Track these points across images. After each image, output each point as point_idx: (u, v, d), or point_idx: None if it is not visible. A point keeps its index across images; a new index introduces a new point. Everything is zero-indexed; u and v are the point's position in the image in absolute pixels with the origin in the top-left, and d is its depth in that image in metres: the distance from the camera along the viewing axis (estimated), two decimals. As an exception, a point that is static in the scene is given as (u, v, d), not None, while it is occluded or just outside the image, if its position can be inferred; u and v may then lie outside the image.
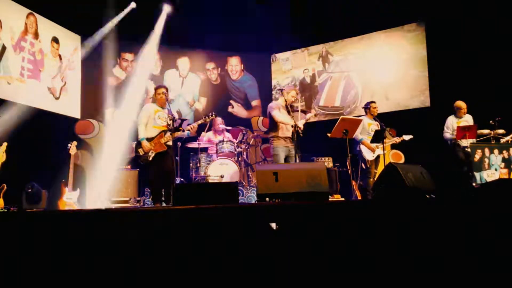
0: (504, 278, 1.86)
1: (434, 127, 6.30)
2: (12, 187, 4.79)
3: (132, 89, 7.37)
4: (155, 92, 4.97)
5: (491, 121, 5.77)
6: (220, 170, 5.76)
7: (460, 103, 5.97)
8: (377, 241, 2.02)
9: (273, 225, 2.09)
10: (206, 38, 8.14)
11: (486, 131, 5.84)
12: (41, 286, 2.04)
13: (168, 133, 4.80)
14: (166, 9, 7.55)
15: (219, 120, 6.66)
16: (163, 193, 5.00)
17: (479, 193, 2.58)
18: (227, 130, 6.74)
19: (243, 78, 8.69)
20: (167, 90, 4.98)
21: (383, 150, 5.31)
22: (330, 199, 4.92)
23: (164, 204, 4.97)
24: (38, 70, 6.27)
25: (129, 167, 6.04)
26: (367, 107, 5.87)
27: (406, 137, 5.81)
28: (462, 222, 2.02)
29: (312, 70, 8.41)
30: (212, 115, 5.15)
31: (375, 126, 5.70)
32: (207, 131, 6.83)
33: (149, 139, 4.79)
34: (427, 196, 3.16)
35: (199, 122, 5.11)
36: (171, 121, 4.85)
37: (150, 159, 4.75)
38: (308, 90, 8.42)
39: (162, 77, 8.06)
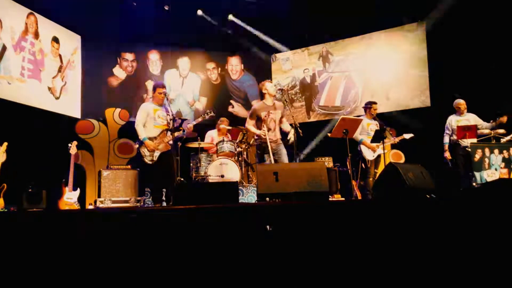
0: (504, 278, 1.86)
1: (434, 126, 6.29)
2: (13, 187, 4.80)
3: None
4: (154, 90, 4.95)
5: (491, 121, 5.78)
6: (220, 170, 5.75)
7: (457, 101, 5.99)
8: (378, 241, 2.02)
9: (268, 227, 2.09)
10: (206, 38, 8.15)
11: (486, 131, 5.84)
12: (41, 285, 2.04)
13: (169, 132, 4.79)
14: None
15: (225, 120, 6.66)
16: (163, 193, 5.00)
17: (480, 193, 2.58)
18: (227, 130, 6.74)
19: (243, 77, 8.70)
20: (166, 89, 4.98)
21: (383, 150, 5.31)
22: (330, 199, 4.93)
23: (164, 204, 4.97)
24: (39, 70, 6.27)
25: (129, 167, 6.04)
26: (368, 107, 5.83)
27: (407, 136, 5.80)
28: (462, 222, 2.02)
29: (312, 70, 8.40)
30: (210, 112, 5.18)
31: (374, 126, 5.69)
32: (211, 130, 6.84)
33: (151, 139, 4.78)
34: (427, 196, 3.16)
35: (199, 120, 5.13)
36: (171, 121, 4.84)
37: (156, 158, 4.74)
38: (308, 90, 8.42)
39: (163, 77, 8.07)
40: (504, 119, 5.56)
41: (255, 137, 5.03)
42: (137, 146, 4.89)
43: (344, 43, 8.11)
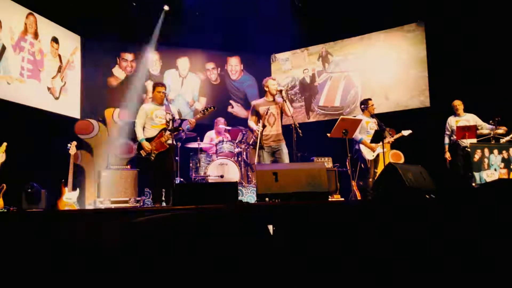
0: (504, 278, 1.87)
1: (434, 127, 6.30)
2: (12, 187, 4.79)
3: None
4: (154, 89, 4.97)
5: (490, 121, 5.78)
6: (220, 170, 5.76)
7: (454, 102, 6.01)
8: (377, 241, 2.02)
9: (270, 228, 2.09)
10: (205, 38, 8.14)
11: (486, 131, 5.85)
12: (40, 286, 2.04)
13: (168, 132, 4.79)
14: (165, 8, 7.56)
15: (221, 120, 6.65)
16: (163, 193, 5.00)
17: (479, 193, 2.58)
18: (227, 130, 6.74)
19: (242, 78, 8.69)
20: (165, 89, 4.98)
21: (383, 149, 5.30)
22: (329, 199, 4.93)
23: (164, 204, 4.97)
24: (38, 70, 6.26)
25: (129, 167, 6.04)
26: (365, 105, 5.82)
27: (405, 132, 5.79)
28: (461, 222, 2.02)
29: (312, 70, 8.41)
30: (210, 108, 5.11)
31: (373, 124, 5.66)
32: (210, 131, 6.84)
33: (149, 139, 4.79)
34: (427, 196, 3.16)
35: (198, 116, 5.10)
36: (171, 121, 4.84)
37: (153, 159, 4.74)
38: (308, 90, 8.42)
39: (162, 77, 8.06)
40: (504, 129, 5.65)
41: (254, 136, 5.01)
42: (135, 146, 4.95)
43: (343, 44, 8.11)
